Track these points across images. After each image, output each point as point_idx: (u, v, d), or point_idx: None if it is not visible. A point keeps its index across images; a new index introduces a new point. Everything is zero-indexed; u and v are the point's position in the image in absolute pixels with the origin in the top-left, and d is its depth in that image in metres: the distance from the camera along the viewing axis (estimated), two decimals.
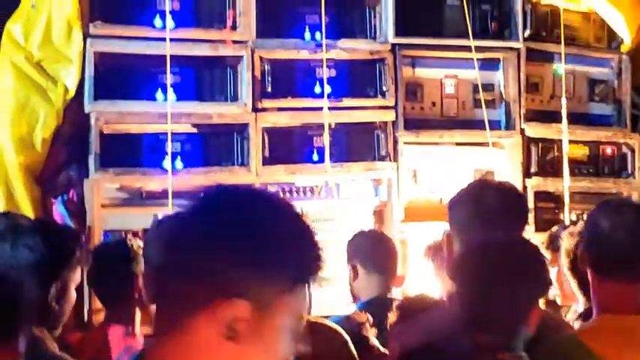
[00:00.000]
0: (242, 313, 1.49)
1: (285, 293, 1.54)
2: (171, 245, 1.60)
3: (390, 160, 5.28)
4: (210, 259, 1.51)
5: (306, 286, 1.61)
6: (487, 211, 2.92)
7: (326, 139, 5.02)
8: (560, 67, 5.75)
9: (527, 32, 5.64)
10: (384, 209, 5.32)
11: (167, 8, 4.77)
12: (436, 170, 5.55)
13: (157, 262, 1.75)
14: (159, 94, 4.77)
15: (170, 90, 4.75)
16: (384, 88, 5.29)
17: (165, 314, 1.57)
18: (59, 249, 2.97)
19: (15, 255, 2.88)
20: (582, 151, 5.90)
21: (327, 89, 5.11)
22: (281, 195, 4.99)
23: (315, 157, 5.12)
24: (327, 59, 5.11)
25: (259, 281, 1.51)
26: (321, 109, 5.06)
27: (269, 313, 1.52)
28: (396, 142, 5.30)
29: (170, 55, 4.70)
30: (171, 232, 1.62)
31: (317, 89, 5.14)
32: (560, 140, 5.60)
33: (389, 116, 5.29)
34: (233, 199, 1.61)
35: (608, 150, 5.96)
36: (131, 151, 4.76)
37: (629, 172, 5.98)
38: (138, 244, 3.76)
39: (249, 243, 1.52)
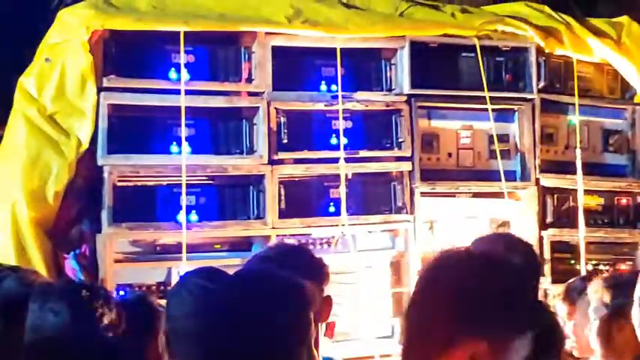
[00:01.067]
0: (481, 351, 1.66)
1: (515, 339, 1.71)
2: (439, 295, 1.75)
3: (407, 212, 4.84)
4: (472, 304, 1.70)
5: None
6: None
7: (342, 191, 4.60)
8: (575, 118, 5.34)
9: (542, 84, 5.26)
10: (401, 260, 4.90)
11: (182, 61, 4.36)
12: (453, 221, 5.12)
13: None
14: (174, 147, 4.34)
15: (185, 142, 4.31)
16: (400, 139, 4.86)
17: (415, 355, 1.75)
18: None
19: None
20: (597, 202, 5.47)
21: (344, 140, 4.71)
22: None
23: (332, 208, 4.68)
24: (343, 111, 4.71)
25: (500, 325, 1.70)
26: (337, 160, 4.66)
27: (501, 354, 1.69)
28: (412, 193, 4.88)
29: (185, 108, 4.30)
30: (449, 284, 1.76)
31: (333, 141, 4.73)
32: (576, 191, 5.21)
33: (405, 167, 4.87)
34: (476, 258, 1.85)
35: (623, 200, 5.54)
36: (145, 205, 4.32)
37: None
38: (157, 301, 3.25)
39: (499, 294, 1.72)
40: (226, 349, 1.76)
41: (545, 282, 5.10)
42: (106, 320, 2.59)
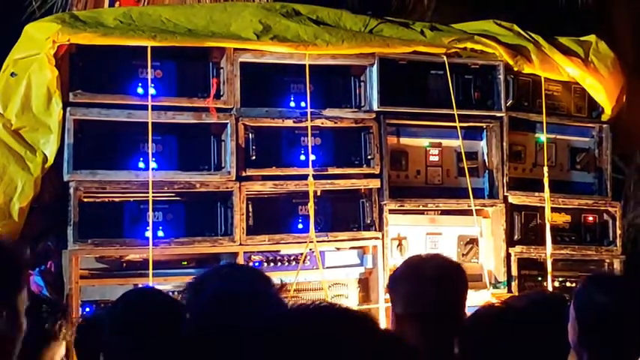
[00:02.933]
0: None
1: None
2: None
3: (375, 229, 4.90)
4: None
5: None
6: None
7: (311, 208, 4.65)
8: (542, 136, 5.44)
9: (510, 102, 5.36)
10: (370, 277, 4.95)
11: (149, 76, 4.39)
12: (421, 238, 5.18)
13: None
14: (141, 163, 4.37)
15: (152, 158, 4.34)
16: (369, 156, 4.94)
17: None
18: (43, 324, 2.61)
19: None
20: (564, 219, 5.57)
21: (312, 157, 4.77)
22: (265, 265, 4.58)
23: (300, 225, 4.74)
24: (312, 127, 4.77)
25: None
26: (306, 177, 4.71)
27: None
28: (381, 210, 4.94)
29: (152, 123, 4.34)
30: None
31: (302, 157, 4.78)
32: (543, 208, 5.29)
33: (374, 184, 4.94)
34: None
35: (590, 218, 5.64)
36: (111, 221, 4.35)
37: (611, 239, 5.65)
38: None
39: None
40: None
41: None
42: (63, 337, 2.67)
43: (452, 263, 2.89)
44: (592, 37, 5.67)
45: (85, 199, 4.29)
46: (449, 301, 2.67)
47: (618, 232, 5.62)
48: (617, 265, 5.60)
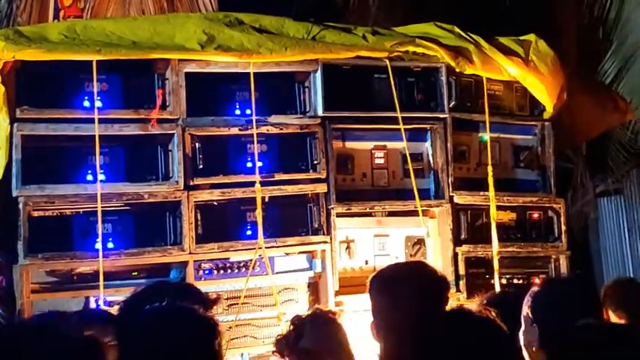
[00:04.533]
0: None
1: None
2: None
3: (324, 233, 5.23)
4: None
5: None
6: None
7: (259, 214, 4.96)
8: (486, 135, 5.79)
9: (453, 103, 5.69)
10: (319, 281, 5.27)
11: (95, 89, 4.68)
12: (369, 240, 5.52)
13: None
14: (89, 176, 4.65)
15: (100, 170, 4.63)
16: (315, 161, 5.27)
17: None
18: None
19: None
20: (510, 217, 5.94)
21: (259, 164, 5.07)
22: (215, 272, 4.89)
23: (249, 232, 5.05)
24: (257, 134, 5.07)
25: None
26: (253, 184, 5.01)
27: None
28: (328, 214, 5.27)
29: (99, 136, 4.62)
30: None
31: (249, 164, 5.09)
32: (489, 207, 5.62)
33: (321, 189, 5.27)
34: None
35: (535, 215, 6.01)
36: (61, 235, 4.63)
37: (556, 235, 6.03)
38: None
39: None
40: None
41: (460, 297, 5.57)
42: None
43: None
44: (531, 37, 5.99)
45: (35, 214, 4.56)
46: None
47: (563, 227, 5.99)
48: (562, 261, 5.98)
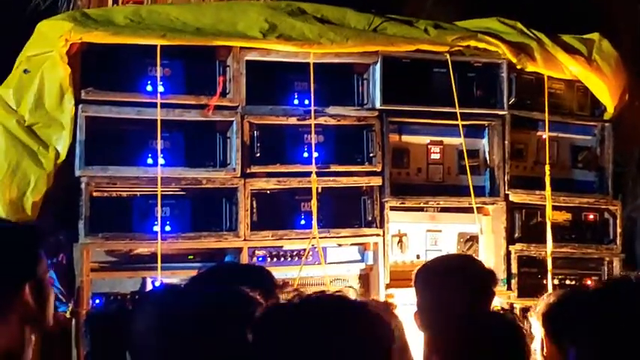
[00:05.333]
0: None
1: None
2: None
3: (377, 226, 5.38)
4: None
5: None
6: None
7: (314, 205, 5.11)
8: (545, 134, 5.87)
9: (512, 100, 5.77)
10: (370, 273, 5.41)
11: (158, 74, 4.87)
12: (421, 235, 5.66)
13: None
14: (149, 159, 4.86)
15: (160, 155, 4.83)
16: (371, 154, 5.40)
17: None
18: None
19: None
20: (565, 217, 6.01)
21: (315, 155, 5.22)
22: (269, 260, 5.08)
23: (303, 221, 5.21)
24: (315, 125, 5.22)
25: None
26: (309, 174, 5.16)
27: None
28: (382, 207, 5.40)
29: (161, 121, 4.81)
30: None
31: (305, 155, 5.25)
32: (544, 206, 5.71)
33: (376, 182, 5.40)
34: None
35: (591, 216, 6.08)
36: (121, 216, 4.83)
37: (611, 238, 6.09)
38: None
39: None
40: None
41: (511, 296, 5.69)
42: None
43: None
44: (595, 36, 6.07)
45: (96, 194, 4.78)
46: None
47: (618, 230, 6.05)
48: (616, 264, 6.03)
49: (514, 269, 5.70)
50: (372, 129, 5.40)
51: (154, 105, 4.86)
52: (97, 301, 4.67)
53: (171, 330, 2.20)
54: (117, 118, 4.86)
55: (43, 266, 2.46)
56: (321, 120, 5.30)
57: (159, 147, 4.83)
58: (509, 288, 5.68)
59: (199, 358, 2.16)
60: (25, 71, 4.76)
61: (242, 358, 2.03)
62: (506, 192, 5.74)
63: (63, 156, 4.73)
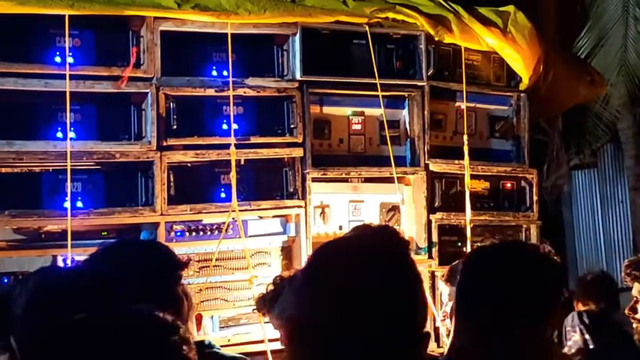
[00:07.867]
0: None
1: None
2: None
3: (298, 197, 4.87)
4: None
5: None
6: None
7: (233, 177, 4.57)
8: (462, 105, 5.45)
9: (431, 71, 5.33)
10: (293, 245, 4.92)
11: (67, 45, 4.25)
12: (344, 205, 5.18)
13: None
14: (59, 133, 4.24)
15: (70, 128, 4.22)
16: (292, 126, 4.89)
17: None
18: None
19: None
20: (483, 186, 5.63)
21: (235, 126, 4.69)
22: (187, 234, 4.52)
23: (223, 194, 4.67)
24: (234, 97, 4.68)
25: None
26: (228, 146, 4.63)
27: None
28: (304, 178, 4.91)
29: (70, 93, 4.21)
30: None
31: (224, 127, 4.70)
32: (463, 175, 5.31)
33: (297, 153, 4.90)
34: None
35: (508, 184, 5.71)
36: (29, 192, 4.22)
37: (528, 205, 5.73)
38: None
39: None
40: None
41: (432, 264, 5.25)
42: None
43: None
44: (510, 8, 5.65)
45: (2, 170, 4.16)
46: None
47: (535, 198, 5.70)
48: (533, 231, 5.69)
49: (435, 238, 5.30)
50: (293, 100, 4.87)
51: (63, 77, 4.24)
52: (5, 280, 4.05)
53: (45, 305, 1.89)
54: (23, 91, 4.22)
55: None
56: (240, 91, 4.75)
57: (68, 120, 4.21)
58: (430, 256, 5.26)
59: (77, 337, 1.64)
60: None
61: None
62: (427, 162, 5.31)
63: None
